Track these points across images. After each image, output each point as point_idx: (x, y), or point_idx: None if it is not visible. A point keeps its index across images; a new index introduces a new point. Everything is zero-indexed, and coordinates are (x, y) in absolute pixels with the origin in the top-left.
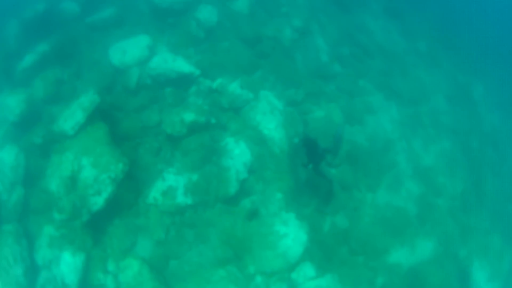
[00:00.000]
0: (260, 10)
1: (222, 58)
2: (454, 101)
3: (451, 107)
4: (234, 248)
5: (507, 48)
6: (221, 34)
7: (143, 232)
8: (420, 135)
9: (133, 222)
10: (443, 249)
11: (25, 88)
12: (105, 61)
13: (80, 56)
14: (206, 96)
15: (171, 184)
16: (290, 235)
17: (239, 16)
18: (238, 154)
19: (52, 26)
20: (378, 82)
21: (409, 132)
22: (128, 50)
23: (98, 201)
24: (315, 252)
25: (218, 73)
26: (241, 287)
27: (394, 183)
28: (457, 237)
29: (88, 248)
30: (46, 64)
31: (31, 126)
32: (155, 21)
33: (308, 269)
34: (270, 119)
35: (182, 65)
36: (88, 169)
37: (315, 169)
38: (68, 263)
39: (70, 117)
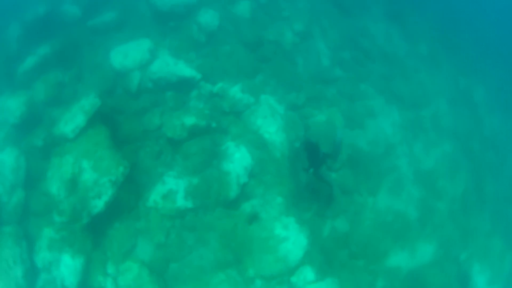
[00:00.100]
0: (262, 14)
1: (223, 62)
2: (455, 104)
3: (452, 110)
4: (234, 252)
5: (508, 50)
6: (222, 38)
7: (143, 235)
8: (421, 138)
9: (133, 225)
10: (444, 252)
11: (26, 90)
12: (106, 64)
13: (81, 59)
14: (207, 100)
15: (172, 187)
16: (290, 239)
17: (240, 20)
18: (238, 158)
19: (53, 29)
20: (379, 85)
21: (410, 136)
22: (129, 54)
23: (98, 204)
24: (315, 255)
25: (219, 77)
26: None
27: (395, 187)
28: (458, 240)
29: (88, 250)
30: (47, 67)
31: (32, 128)
32: (156, 24)
33: (308, 273)
34: (271, 123)
35: (183, 69)
36: (89, 172)
37: (315, 173)
38: (68, 266)
39: (71, 120)
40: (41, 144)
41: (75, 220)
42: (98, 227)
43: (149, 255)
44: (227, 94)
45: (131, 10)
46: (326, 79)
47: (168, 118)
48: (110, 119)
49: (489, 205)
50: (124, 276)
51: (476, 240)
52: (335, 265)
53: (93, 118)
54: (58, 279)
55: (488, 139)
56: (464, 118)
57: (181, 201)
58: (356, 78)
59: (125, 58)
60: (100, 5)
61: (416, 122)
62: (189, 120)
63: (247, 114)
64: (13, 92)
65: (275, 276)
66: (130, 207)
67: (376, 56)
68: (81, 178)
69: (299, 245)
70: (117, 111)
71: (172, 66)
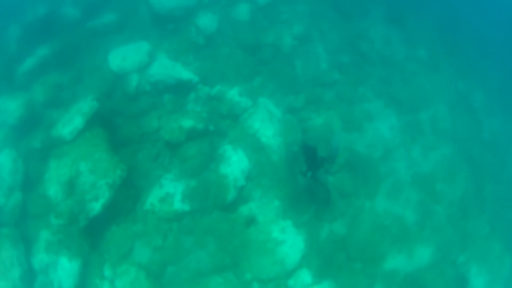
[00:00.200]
0: (260, 17)
1: (222, 65)
2: (454, 107)
3: (451, 113)
4: (231, 255)
5: (507, 53)
6: (221, 41)
7: (140, 238)
8: (419, 142)
9: (131, 228)
10: (442, 255)
11: (25, 92)
12: (105, 66)
13: (80, 61)
14: (205, 103)
15: (169, 190)
16: (288, 242)
17: (239, 23)
18: (236, 161)
19: (52, 30)
20: (378, 89)
21: (409, 139)
22: (128, 56)
23: (95, 207)
24: (312, 259)
25: (217, 80)
26: None
27: (393, 190)
28: (456, 244)
29: (85, 253)
30: (46, 68)
31: (30, 130)
32: (155, 27)
33: (305, 276)
34: (268, 126)
35: (181, 72)
36: (86, 175)
37: (313, 177)
38: (65, 268)
39: (69, 122)
40: (39, 146)
41: (72, 222)
42: (95, 229)
43: (146, 258)
44: (225, 97)
45: (131, 12)
46: (325, 83)
47: (165, 121)
48: (108, 121)
49: (488, 208)
50: (121, 279)
51: (474, 243)
52: (333, 268)
53: (91, 120)
54: (55, 281)
55: (487, 142)
56: (463, 121)
57: (178, 204)
58: (355, 82)
59: (123, 61)
60: (100, 7)
61: (415, 126)
62: (187, 123)
63: (245, 117)
64: (12, 94)
65: (272, 279)
66: (128, 210)
67: (375, 60)
68: (79, 180)
69: (297, 248)
70: (115, 114)
71: (170, 68)
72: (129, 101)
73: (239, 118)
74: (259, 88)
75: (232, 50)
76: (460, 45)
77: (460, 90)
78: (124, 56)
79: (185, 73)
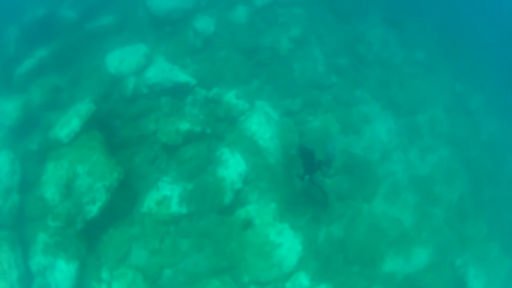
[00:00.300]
0: (258, 20)
1: (219, 68)
2: (451, 109)
3: (448, 116)
4: (228, 258)
5: (505, 55)
6: (218, 43)
7: (137, 241)
8: (417, 144)
9: (128, 230)
10: (440, 258)
11: (23, 93)
12: (103, 68)
13: (78, 63)
14: (202, 106)
15: (166, 193)
16: (285, 245)
17: (236, 25)
18: (233, 164)
19: (51, 32)
20: (375, 92)
21: (406, 142)
22: (125, 59)
23: (92, 210)
24: (310, 261)
25: (214, 82)
26: None
27: (390, 193)
28: (454, 246)
29: (82, 256)
30: (44, 70)
31: (27, 132)
32: (152, 29)
33: (302, 279)
34: (265, 129)
35: (179, 75)
36: (83, 177)
37: (310, 180)
38: (62, 271)
39: (66, 125)
40: (36, 148)
41: (69, 225)
42: (92, 232)
43: (143, 261)
44: (222, 99)
45: (128, 14)
46: (322, 85)
47: (163, 124)
48: (105, 124)
49: (486, 210)
50: (119, 282)
51: (472, 245)
52: (330, 270)
53: (88, 122)
54: (52, 283)
55: (485, 144)
56: (461, 123)
57: (175, 207)
58: (352, 84)
59: (121, 63)
60: (98, 10)
61: (412, 128)
62: (184, 126)
63: (242, 120)
64: (10, 95)
65: (269, 282)
66: (125, 213)
67: (373, 62)
68: (76, 183)
69: (294, 251)
70: (113, 116)
71: (167, 71)
72: (126, 104)
73: (236, 121)
74: (257, 91)
75: (230, 53)
76: (457, 48)
77: (457, 92)
78: (121, 59)
79: (182, 76)
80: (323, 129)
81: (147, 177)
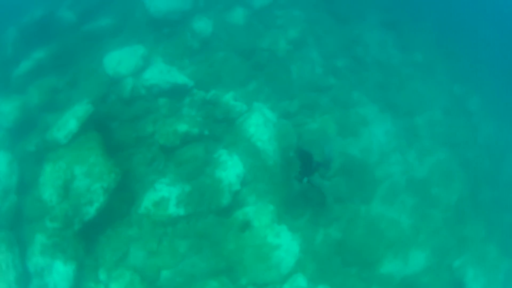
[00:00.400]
0: (256, 22)
1: (217, 69)
2: (449, 112)
3: (446, 118)
4: (226, 260)
5: (503, 57)
6: (216, 45)
7: (135, 242)
8: (415, 146)
9: (126, 232)
10: (438, 260)
11: (20, 94)
12: (101, 70)
13: (76, 65)
14: (200, 108)
15: (164, 194)
16: (283, 246)
17: (234, 27)
18: (231, 165)
19: (49, 34)
20: (373, 94)
21: (404, 144)
22: (123, 60)
23: (90, 211)
24: (307, 263)
25: (212, 84)
26: None
27: (388, 194)
28: (452, 247)
29: (80, 257)
30: (42, 71)
31: (25, 133)
32: (150, 31)
33: (300, 281)
34: (263, 131)
35: (176, 76)
36: (81, 178)
37: (308, 181)
38: (60, 272)
39: (64, 126)
40: (34, 149)
41: (67, 226)
42: (90, 233)
43: (141, 262)
44: (220, 101)
45: (126, 16)
46: (320, 87)
47: (161, 125)
48: (103, 125)
49: (484, 212)
50: (116, 283)
51: (470, 247)
52: (328, 272)
53: (86, 124)
54: (50, 284)
55: (483, 146)
56: (459, 125)
57: (173, 209)
58: (350, 86)
59: (118, 64)
60: (96, 11)
61: (410, 130)
62: (182, 127)
63: (240, 121)
64: (7, 96)
65: (267, 284)
66: (122, 214)
67: (371, 64)
68: (74, 184)
69: (292, 252)
70: (110, 118)
71: (165, 73)
72: (124, 105)
73: (234, 123)
74: (254, 93)
75: (228, 55)
76: (456, 50)
77: (456, 94)
78: (119, 60)
79: (180, 77)
80: (321, 131)
81: (144, 179)
